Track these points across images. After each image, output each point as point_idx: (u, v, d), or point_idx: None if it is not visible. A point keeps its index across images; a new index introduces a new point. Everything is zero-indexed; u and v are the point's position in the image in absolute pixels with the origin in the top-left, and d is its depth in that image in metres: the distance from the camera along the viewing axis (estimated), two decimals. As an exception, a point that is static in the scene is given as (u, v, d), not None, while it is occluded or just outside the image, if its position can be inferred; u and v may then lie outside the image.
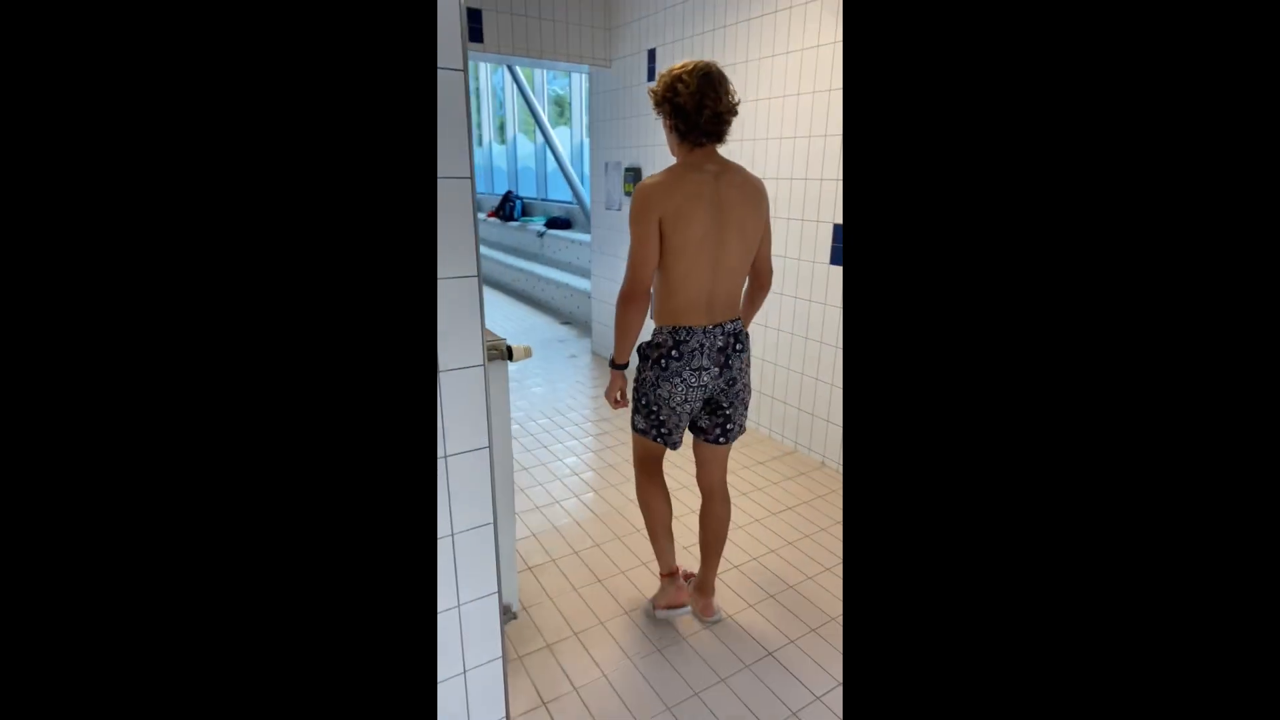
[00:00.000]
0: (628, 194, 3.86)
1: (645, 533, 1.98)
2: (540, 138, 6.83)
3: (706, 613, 1.68)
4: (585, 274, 5.47)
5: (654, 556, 1.82)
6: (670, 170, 1.37)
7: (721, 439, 1.54)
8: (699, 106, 1.32)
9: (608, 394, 1.54)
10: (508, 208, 7.34)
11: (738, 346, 1.46)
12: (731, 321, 1.45)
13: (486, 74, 8.62)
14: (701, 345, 1.42)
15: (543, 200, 7.16)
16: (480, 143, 8.94)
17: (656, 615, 1.68)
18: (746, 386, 1.51)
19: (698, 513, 1.77)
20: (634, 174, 3.76)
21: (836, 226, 2.57)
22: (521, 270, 6.24)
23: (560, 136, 6.43)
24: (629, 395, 1.55)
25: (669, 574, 1.69)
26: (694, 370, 1.42)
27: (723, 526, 1.64)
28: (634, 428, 1.57)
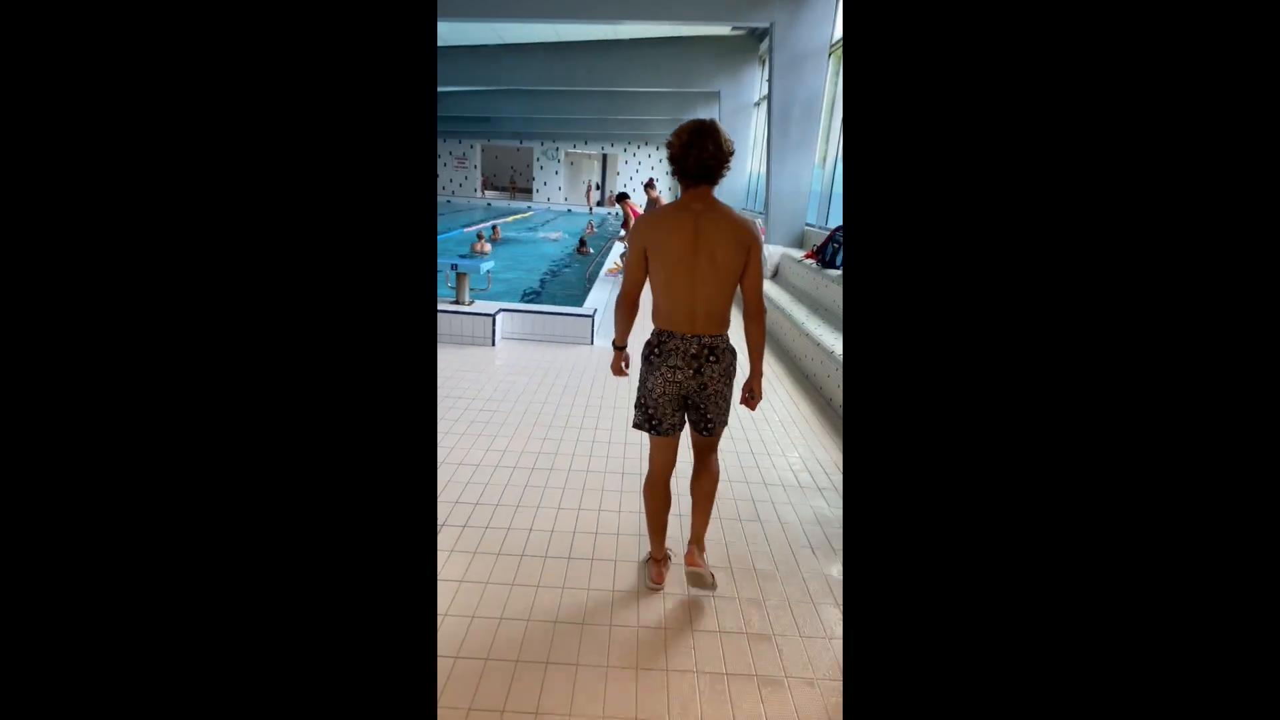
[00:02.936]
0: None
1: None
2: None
3: (689, 561, 1.91)
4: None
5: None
6: (664, 206, 1.80)
7: (705, 431, 1.83)
8: (685, 155, 1.64)
9: (612, 367, 1.97)
10: (830, 250, 4.88)
11: (711, 358, 1.72)
12: (710, 336, 1.72)
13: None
14: (678, 349, 1.71)
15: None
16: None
17: (649, 586, 1.96)
18: (719, 394, 1.77)
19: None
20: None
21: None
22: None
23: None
24: (626, 371, 1.96)
25: (657, 559, 1.99)
26: (670, 368, 1.72)
27: (705, 492, 1.94)
28: (633, 424, 1.90)
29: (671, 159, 1.67)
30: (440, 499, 2.41)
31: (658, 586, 1.94)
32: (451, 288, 4.68)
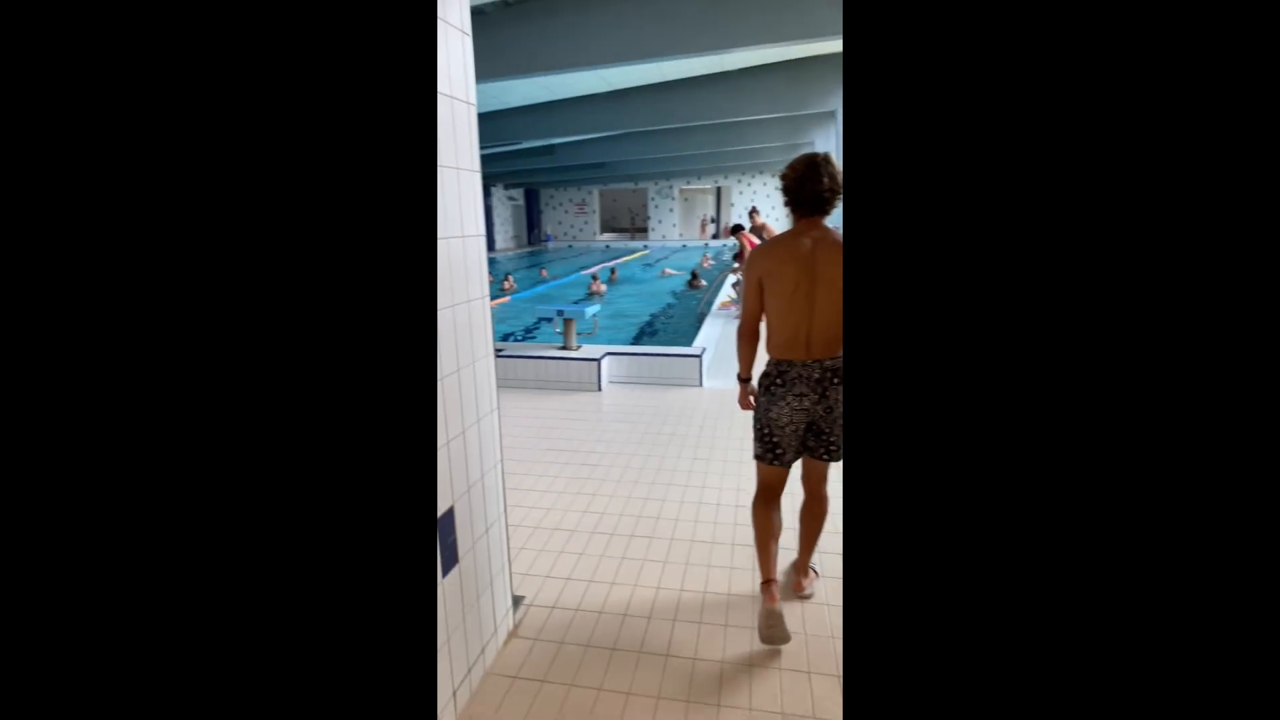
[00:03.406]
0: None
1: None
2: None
3: (797, 589, 1.97)
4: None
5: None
6: (777, 236, 1.76)
7: (824, 456, 1.80)
8: (800, 188, 1.68)
9: (740, 401, 1.93)
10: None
11: (834, 379, 1.70)
12: (831, 359, 1.70)
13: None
14: (800, 376, 1.71)
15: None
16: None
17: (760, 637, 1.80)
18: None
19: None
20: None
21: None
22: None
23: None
24: (754, 404, 1.88)
25: (766, 580, 1.84)
26: (796, 395, 1.72)
27: (817, 521, 1.95)
28: (754, 456, 1.87)
29: (785, 190, 1.72)
30: (528, 571, 2.19)
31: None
32: (559, 332, 4.61)
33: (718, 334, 5.83)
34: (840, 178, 1.66)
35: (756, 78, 9.86)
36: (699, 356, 4.40)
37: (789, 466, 1.81)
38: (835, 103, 9.75)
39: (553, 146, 15.05)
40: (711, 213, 24.46)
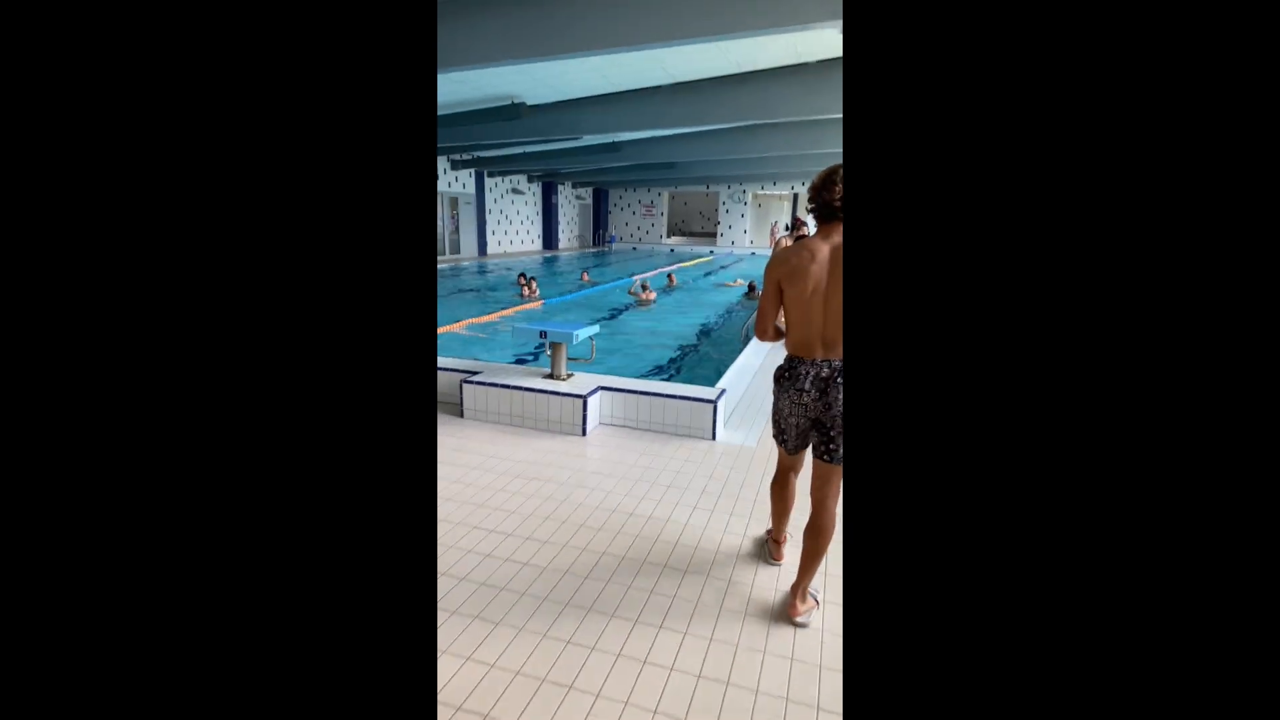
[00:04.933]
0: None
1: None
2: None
3: (791, 612, 1.93)
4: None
5: None
6: (799, 241, 1.90)
7: (826, 457, 1.84)
8: (818, 196, 1.81)
9: None
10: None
11: (839, 380, 1.78)
12: (840, 360, 1.80)
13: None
14: (808, 373, 1.83)
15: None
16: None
17: (769, 561, 2.22)
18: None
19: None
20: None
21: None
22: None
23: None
24: None
25: (777, 540, 2.23)
26: (799, 391, 1.84)
27: (817, 539, 1.90)
28: (774, 434, 2.02)
29: (810, 199, 1.84)
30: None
31: (778, 562, 2.20)
32: (549, 355, 3.78)
33: (758, 365, 4.83)
34: None
35: (831, 72, 8.70)
36: (713, 402, 3.44)
37: (798, 453, 1.98)
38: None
39: (618, 144, 14.32)
40: (787, 219, 23.12)
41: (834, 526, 1.91)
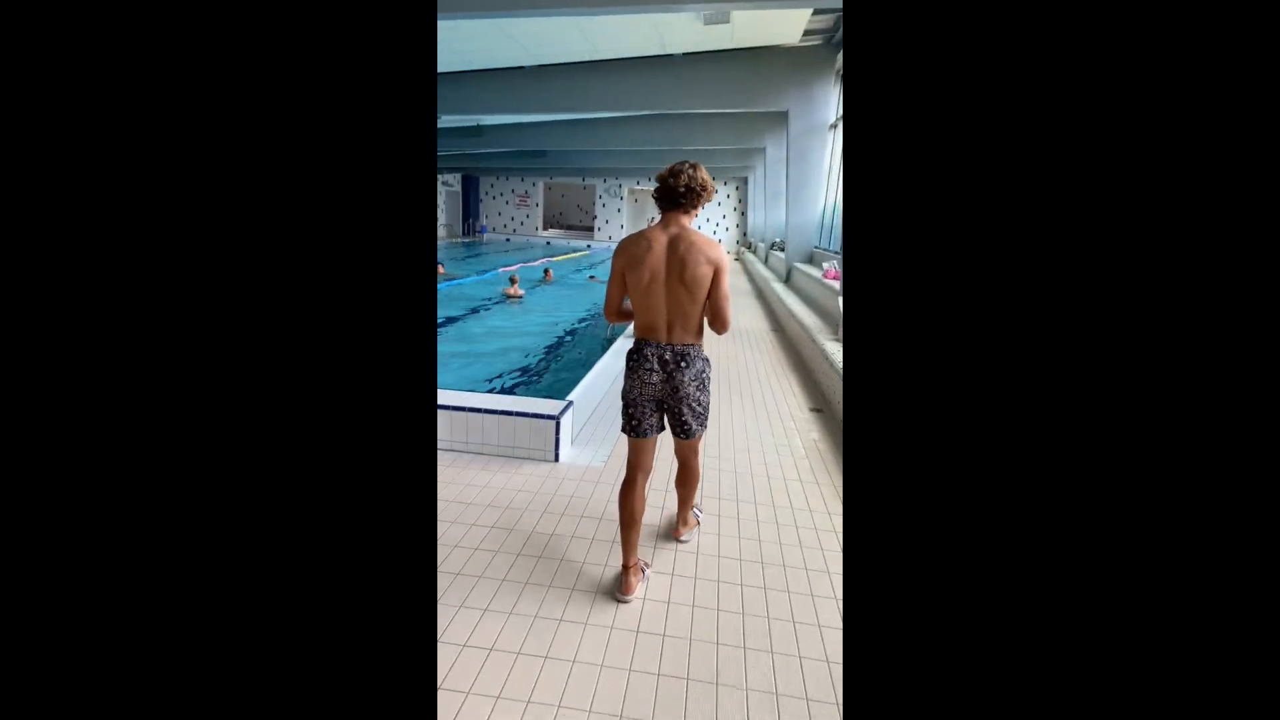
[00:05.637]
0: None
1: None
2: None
3: (677, 535, 2.34)
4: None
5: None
6: (639, 231, 1.98)
7: (682, 434, 2.05)
8: (662, 184, 1.95)
9: None
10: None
11: (683, 363, 1.93)
12: (683, 344, 1.94)
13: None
14: (653, 354, 1.94)
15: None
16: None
17: (616, 599, 2.02)
18: (692, 396, 1.97)
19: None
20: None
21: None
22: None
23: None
24: None
25: (628, 566, 2.04)
26: (646, 370, 1.94)
27: (688, 486, 2.24)
28: (621, 429, 2.09)
29: (656, 187, 1.97)
30: None
31: (627, 599, 1.99)
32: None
33: (618, 369, 4.48)
34: (698, 184, 1.90)
35: (704, 66, 8.60)
36: (555, 418, 3.03)
37: (646, 437, 2.01)
38: (788, 103, 8.60)
39: (481, 126, 13.45)
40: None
41: (699, 474, 2.25)
